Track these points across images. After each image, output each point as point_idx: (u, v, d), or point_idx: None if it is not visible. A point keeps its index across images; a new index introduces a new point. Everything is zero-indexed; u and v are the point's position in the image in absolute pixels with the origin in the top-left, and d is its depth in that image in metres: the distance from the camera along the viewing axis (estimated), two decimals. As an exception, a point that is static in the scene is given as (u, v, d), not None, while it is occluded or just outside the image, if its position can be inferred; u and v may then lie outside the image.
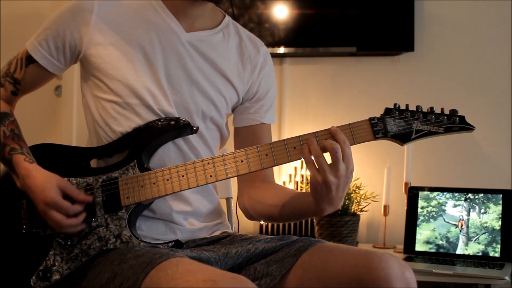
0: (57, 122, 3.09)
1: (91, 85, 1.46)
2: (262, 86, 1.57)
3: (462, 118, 1.34)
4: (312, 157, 1.31)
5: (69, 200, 1.35)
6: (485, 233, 2.47)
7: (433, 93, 2.84)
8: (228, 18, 1.56)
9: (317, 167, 1.31)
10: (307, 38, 2.90)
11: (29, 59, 1.46)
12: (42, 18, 3.03)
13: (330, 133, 1.33)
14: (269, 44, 2.87)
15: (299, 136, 1.35)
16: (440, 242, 2.52)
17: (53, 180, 1.35)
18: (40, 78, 1.49)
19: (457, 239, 2.50)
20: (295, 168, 2.87)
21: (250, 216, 1.58)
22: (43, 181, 1.35)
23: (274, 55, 2.87)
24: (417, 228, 2.55)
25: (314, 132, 1.34)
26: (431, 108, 1.35)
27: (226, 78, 1.50)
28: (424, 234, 2.54)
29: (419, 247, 2.54)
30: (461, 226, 2.51)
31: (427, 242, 2.53)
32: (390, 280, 1.22)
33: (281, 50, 2.89)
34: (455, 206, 2.54)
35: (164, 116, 1.42)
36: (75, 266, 1.36)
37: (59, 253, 1.37)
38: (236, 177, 1.48)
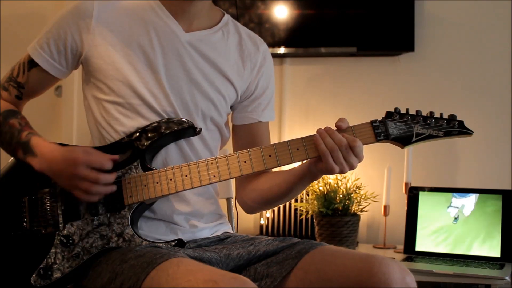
0: (57, 122, 3.09)
1: (92, 87, 1.46)
2: (260, 85, 1.57)
3: (461, 122, 1.36)
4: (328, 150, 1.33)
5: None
6: (485, 233, 2.47)
7: (433, 93, 2.84)
8: (227, 17, 1.56)
9: (333, 160, 1.33)
10: (307, 38, 2.90)
11: (31, 63, 1.46)
12: (42, 18, 3.06)
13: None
14: (269, 44, 2.84)
15: (301, 138, 1.36)
16: (441, 242, 2.52)
17: (76, 147, 1.37)
18: (43, 82, 1.49)
19: (457, 239, 2.50)
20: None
21: (248, 208, 1.59)
22: (66, 148, 1.36)
23: (274, 55, 2.85)
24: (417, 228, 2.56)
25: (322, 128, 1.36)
26: (431, 112, 1.37)
27: (225, 77, 1.50)
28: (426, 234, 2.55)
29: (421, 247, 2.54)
30: (461, 226, 2.51)
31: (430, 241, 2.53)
32: (391, 285, 1.23)
33: (281, 50, 2.89)
34: (455, 206, 2.54)
35: (166, 116, 1.43)
36: (76, 264, 1.36)
37: (61, 251, 1.37)
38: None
